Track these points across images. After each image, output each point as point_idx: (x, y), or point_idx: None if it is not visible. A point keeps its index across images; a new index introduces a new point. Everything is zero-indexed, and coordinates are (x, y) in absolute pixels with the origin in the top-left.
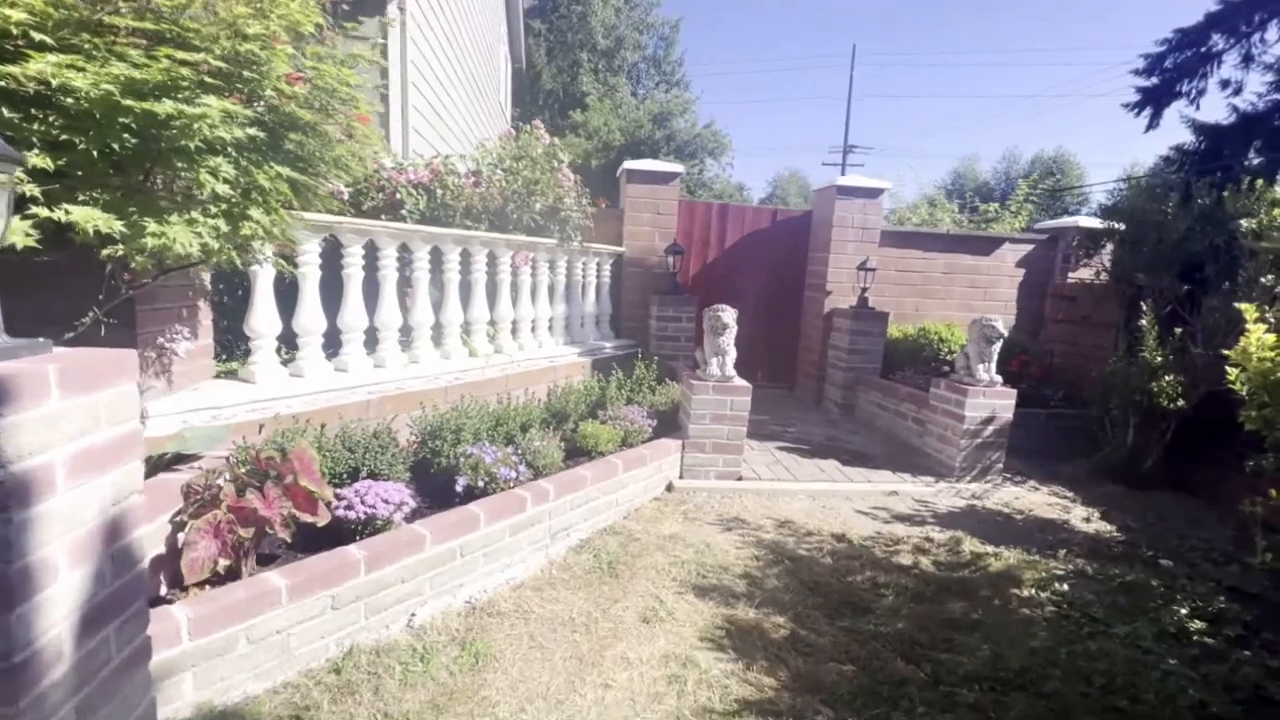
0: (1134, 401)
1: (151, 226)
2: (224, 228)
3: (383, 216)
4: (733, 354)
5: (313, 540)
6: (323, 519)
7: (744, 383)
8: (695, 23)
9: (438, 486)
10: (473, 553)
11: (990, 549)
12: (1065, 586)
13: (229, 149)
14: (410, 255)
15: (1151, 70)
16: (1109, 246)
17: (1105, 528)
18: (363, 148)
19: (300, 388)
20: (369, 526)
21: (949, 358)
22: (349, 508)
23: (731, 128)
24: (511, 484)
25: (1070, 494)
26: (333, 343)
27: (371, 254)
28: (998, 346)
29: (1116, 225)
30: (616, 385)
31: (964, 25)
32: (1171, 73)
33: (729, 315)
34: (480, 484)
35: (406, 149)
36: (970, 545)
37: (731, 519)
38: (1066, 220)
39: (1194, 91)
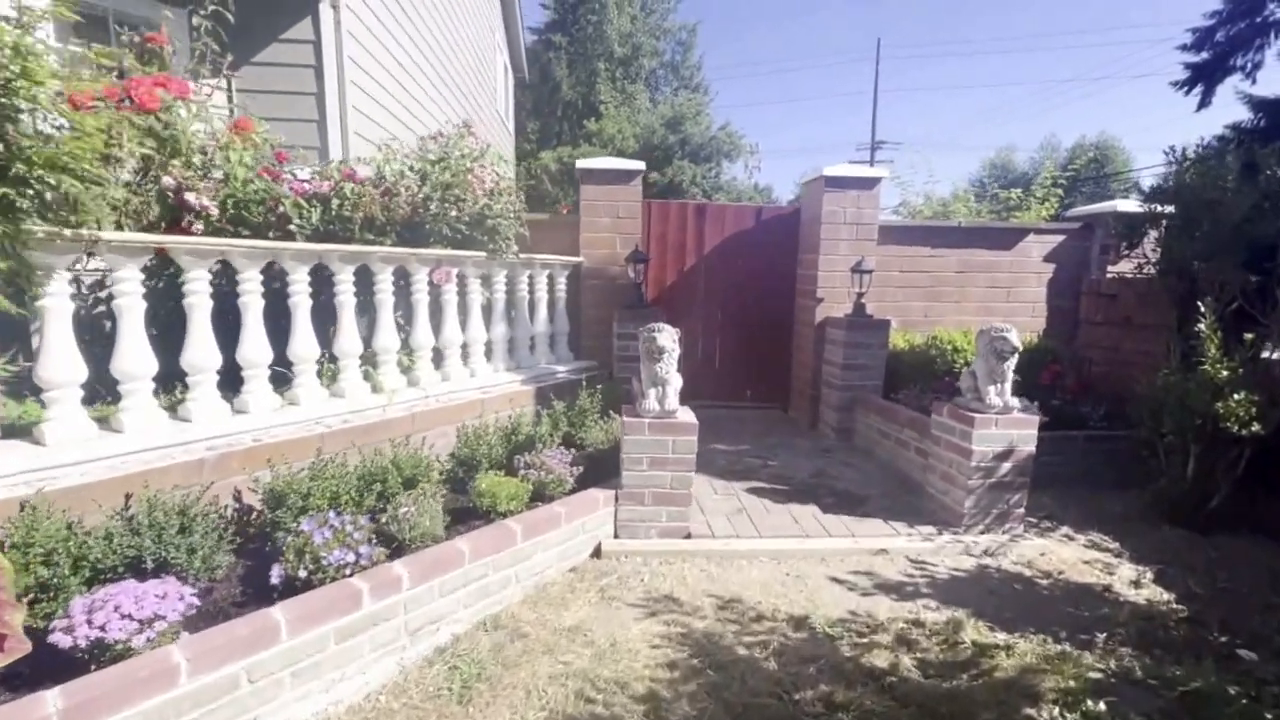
0: (1194, 425)
1: None
2: None
3: (271, 235)
4: (676, 383)
5: (54, 673)
6: (14, 653)
7: (689, 419)
8: (717, 26)
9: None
10: (270, 675)
11: (1001, 637)
12: (1103, 705)
13: None
14: (288, 278)
15: (1201, 45)
16: (1154, 234)
17: (1161, 595)
18: (92, 138)
19: (110, 448)
20: (108, 653)
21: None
22: (69, 630)
23: (757, 130)
24: (348, 570)
25: (1114, 544)
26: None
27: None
28: (1012, 363)
29: (1162, 209)
30: (550, 420)
31: (987, 13)
32: (1224, 45)
33: (666, 337)
34: (303, 574)
35: (347, 155)
36: (973, 632)
37: (661, 598)
38: (1102, 206)
39: (1249, 65)
